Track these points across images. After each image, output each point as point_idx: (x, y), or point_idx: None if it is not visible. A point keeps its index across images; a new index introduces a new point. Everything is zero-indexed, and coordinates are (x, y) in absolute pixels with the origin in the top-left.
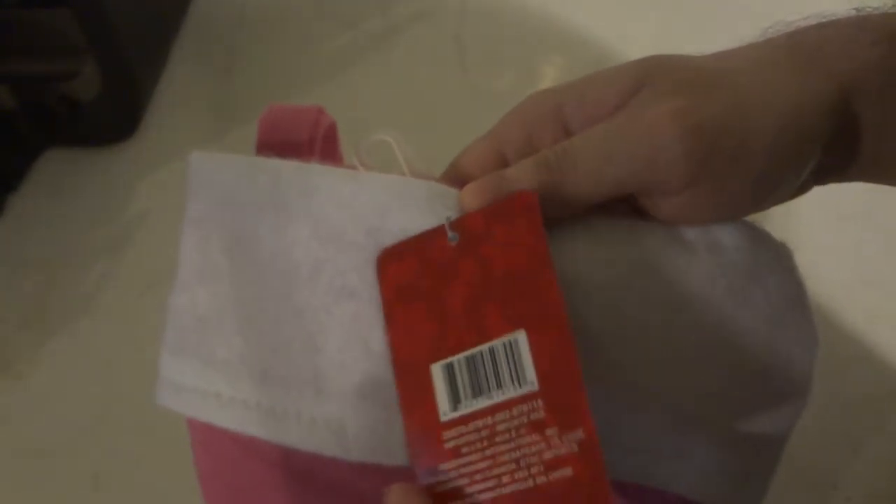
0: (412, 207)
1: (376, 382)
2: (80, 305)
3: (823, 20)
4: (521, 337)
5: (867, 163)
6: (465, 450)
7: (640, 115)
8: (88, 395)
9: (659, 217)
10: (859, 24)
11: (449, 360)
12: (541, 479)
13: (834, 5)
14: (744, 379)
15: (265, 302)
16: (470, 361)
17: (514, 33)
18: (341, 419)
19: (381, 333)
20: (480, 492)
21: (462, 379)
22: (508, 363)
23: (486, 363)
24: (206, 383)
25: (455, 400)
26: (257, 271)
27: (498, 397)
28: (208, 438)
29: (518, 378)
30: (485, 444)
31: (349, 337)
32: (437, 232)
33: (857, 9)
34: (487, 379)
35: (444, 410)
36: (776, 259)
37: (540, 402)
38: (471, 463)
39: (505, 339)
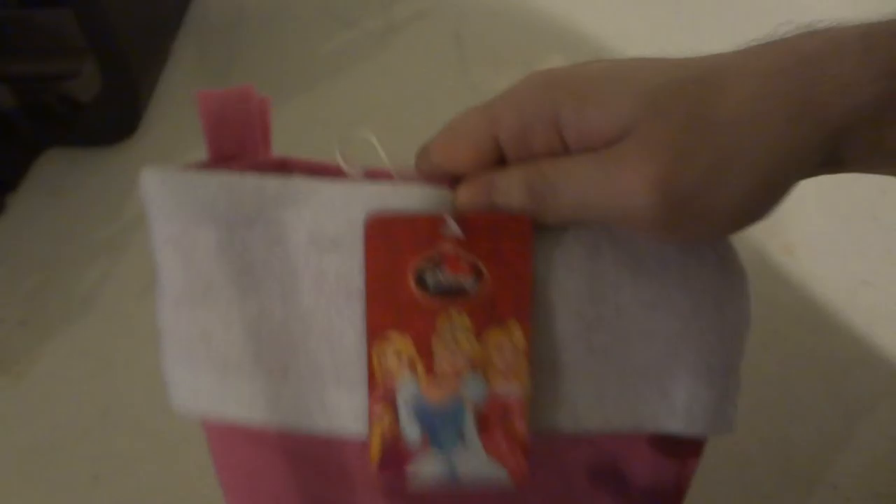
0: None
1: None
2: (80, 305)
3: (831, 34)
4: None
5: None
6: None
7: (623, 169)
8: (88, 395)
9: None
10: (864, 54)
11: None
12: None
13: (829, 6)
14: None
15: (270, 308)
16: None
17: (514, 32)
18: (362, 405)
19: None
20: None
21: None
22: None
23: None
24: (224, 386)
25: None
26: (255, 282)
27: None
28: (223, 436)
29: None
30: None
31: (362, 332)
32: (434, 220)
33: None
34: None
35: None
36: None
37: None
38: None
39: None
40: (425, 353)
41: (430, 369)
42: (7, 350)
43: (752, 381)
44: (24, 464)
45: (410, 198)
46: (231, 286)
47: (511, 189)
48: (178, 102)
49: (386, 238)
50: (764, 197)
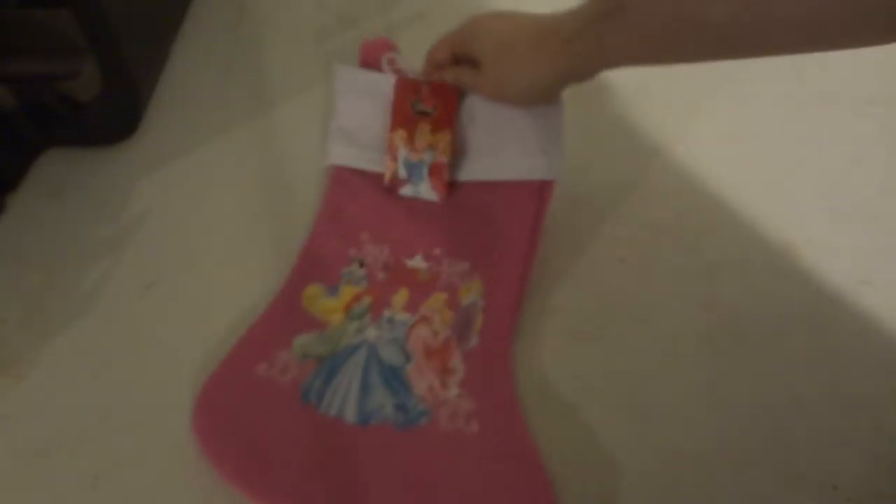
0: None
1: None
2: (80, 305)
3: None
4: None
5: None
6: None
7: (480, 78)
8: (88, 395)
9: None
10: (559, 29)
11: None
12: None
13: None
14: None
15: (374, 123)
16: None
17: None
18: (382, 160)
19: None
20: None
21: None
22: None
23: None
24: (354, 150)
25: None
26: (365, 111)
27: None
28: (340, 175)
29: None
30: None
31: (388, 126)
32: (420, 82)
33: None
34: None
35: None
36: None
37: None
38: None
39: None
40: (411, 139)
41: (412, 146)
42: (7, 350)
43: (753, 381)
44: (24, 464)
45: (413, 74)
46: (364, 111)
47: (448, 77)
48: (178, 102)
49: (403, 87)
50: (532, 91)
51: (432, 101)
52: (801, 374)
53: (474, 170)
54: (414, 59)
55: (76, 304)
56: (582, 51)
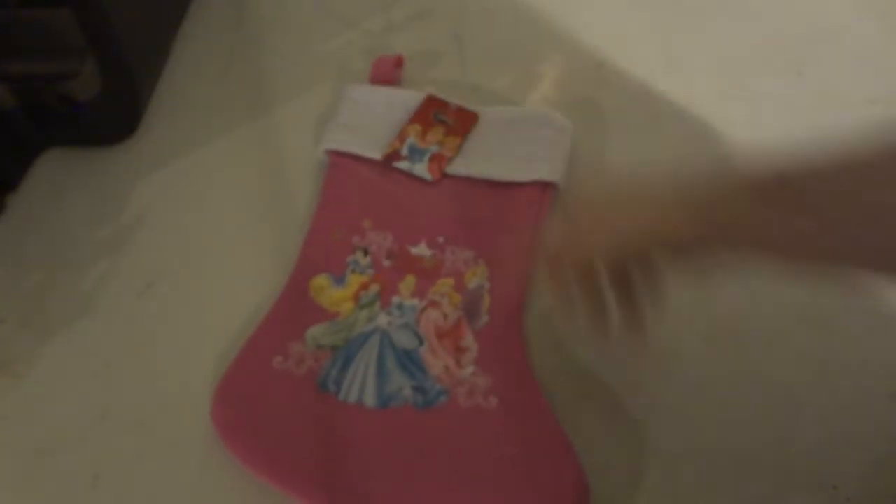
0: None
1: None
2: (80, 305)
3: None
4: None
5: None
6: None
7: None
8: (88, 395)
9: None
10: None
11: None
12: None
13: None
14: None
15: (377, 122)
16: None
17: (514, 33)
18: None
19: None
20: None
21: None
22: None
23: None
24: (353, 138)
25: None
26: (373, 114)
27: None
28: (339, 161)
29: None
30: None
31: (406, 122)
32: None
33: None
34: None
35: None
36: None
37: None
38: None
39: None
40: (424, 133)
41: (423, 138)
42: (7, 350)
43: (753, 381)
44: (24, 464)
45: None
46: (363, 110)
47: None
48: (179, 102)
49: (432, 100)
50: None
51: (454, 117)
52: (801, 374)
53: (477, 168)
54: (414, 60)
55: (76, 305)
56: (715, 219)
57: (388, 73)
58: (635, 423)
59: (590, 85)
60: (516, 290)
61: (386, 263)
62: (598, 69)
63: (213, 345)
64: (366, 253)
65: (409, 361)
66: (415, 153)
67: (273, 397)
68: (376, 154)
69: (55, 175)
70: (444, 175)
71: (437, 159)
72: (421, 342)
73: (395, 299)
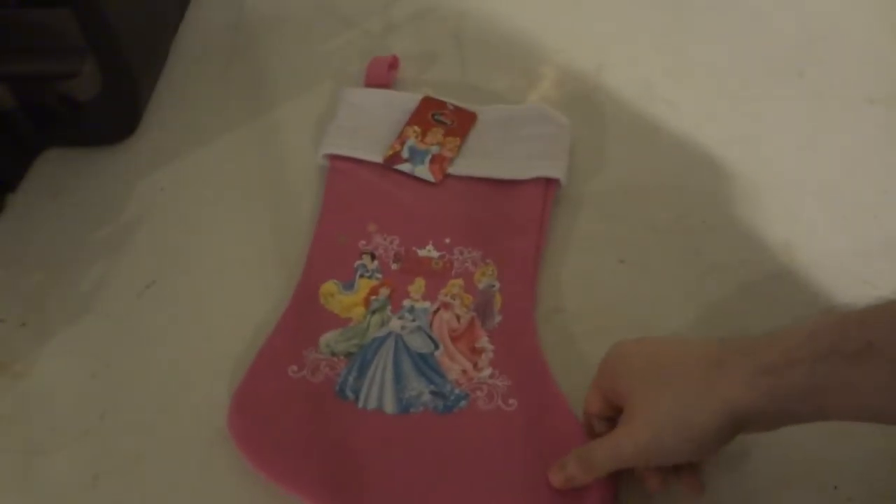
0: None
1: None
2: (80, 305)
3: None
4: None
5: None
6: None
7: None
8: (88, 395)
9: None
10: (753, 352)
11: None
12: None
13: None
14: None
15: (375, 125)
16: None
17: (514, 33)
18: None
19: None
20: None
21: None
22: None
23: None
24: (352, 142)
25: None
26: (371, 117)
27: None
28: (339, 165)
29: None
30: None
31: (405, 122)
32: (441, 102)
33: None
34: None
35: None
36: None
37: None
38: None
39: None
40: (423, 135)
41: (422, 140)
42: (7, 350)
43: None
44: (24, 464)
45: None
46: (363, 115)
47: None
48: (178, 102)
49: (429, 101)
50: (690, 447)
51: (452, 118)
52: None
53: (479, 167)
54: (414, 60)
55: (76, 304)
56: (796, 385)
57: (383, 73)
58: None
59: (589, 85)
60: (527, 288)
61: (394, 267)
62: (598, 70)
63: (213, 345)
64: (373, 257)
65: (426, 366)
66: (415, 155)
67: (291, 407)
68: (377, 157)
69: (55, 175)
70: (446, 175)
71: (438, 160)
72: (436, 346)
73: (406, 302)
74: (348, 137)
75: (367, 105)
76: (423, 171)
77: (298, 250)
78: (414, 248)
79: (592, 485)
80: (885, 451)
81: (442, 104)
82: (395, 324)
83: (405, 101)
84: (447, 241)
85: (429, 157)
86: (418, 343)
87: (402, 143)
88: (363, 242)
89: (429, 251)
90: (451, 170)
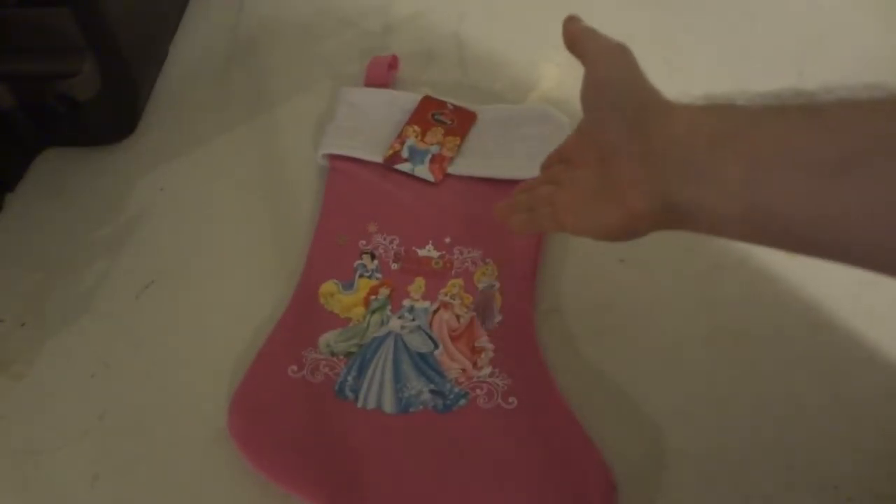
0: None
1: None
2: (79, 305)
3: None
4: None
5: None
6: None
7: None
8: (87, 395)
9: None
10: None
11: None
12: None
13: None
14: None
15: (375, 125)
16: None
17: (514, 32)
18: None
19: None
20: None
21: None
22: None
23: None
24: (352, 142)
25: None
26: (371, 117)
27: None
28: (339, 166)
29: None
30: None
31: (404, 123)
32: (442, 102)
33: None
34: None
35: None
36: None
37: None
38: None
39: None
40: (423, 134)
41: (422, 139)
42: (6, 350)
43: (753, 382)
44: (23, 464)
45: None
46: (362, 116)
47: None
48: (177, 102)
49: (429, 101)
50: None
51: (452, 117)
52: (800, 374)
53: (479, 167)
54: (414, 60)
55: (75, 304)
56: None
57: (383, 73)
58: (636, 423)
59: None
60: (527, 287)
61: (394, 266)
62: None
63: (213, 345)
64: (373, 257)
65: (426, 365)
66: (415, 155)
67: (291, 407)
68: (377, 157)
69: (54, 175)
70: (446, 175)
71: (437, 160)
72: (436, 345)
73: (406, 302)
74: (348, 137)
75: (367, 105)
76: (423, 170)
77: (298, 250)
78: (414, 248)
79: (593, 485)
80: (885, 452)
81: (442, 104)
82: (394, 323)
83: (405, 100)
84: (447, 240)
85: (429, 156)
86: (418, 342)
87: (402, 143)
88: (363, 242)
89: (429, 251)
90: (451, 169)
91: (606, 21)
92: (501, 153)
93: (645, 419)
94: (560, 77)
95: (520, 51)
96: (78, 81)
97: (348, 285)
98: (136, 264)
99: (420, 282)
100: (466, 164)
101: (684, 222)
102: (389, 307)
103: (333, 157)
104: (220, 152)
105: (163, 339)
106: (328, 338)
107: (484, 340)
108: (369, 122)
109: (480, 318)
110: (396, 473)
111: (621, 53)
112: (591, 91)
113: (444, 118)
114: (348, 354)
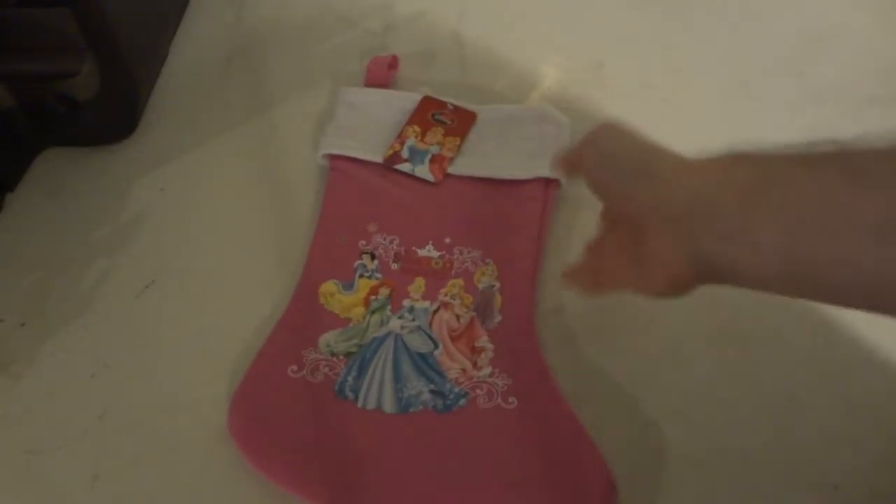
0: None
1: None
2: (79, 305)
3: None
4: None
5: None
6: None
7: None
8: (87, 395)
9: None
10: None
11: None
12: None
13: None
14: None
15: (375, 125)
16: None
17: (514, 33)
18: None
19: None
20: None
21: None
22: None
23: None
24: (352, 142)
25: None
26: (371, 117)
27: None
28: (338, 165)
29: None
30: None
31: (404, 123)
32: (442, 103)
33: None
34: None
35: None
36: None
37: None
38: None
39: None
40: (423, 134)
41: (422, 139)
42: (6, 350)
43: (753, 382)
44: (23, 464)
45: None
46: (360, 115)
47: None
48: (178, 102)
49: (429, 101)
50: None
51: (452, 117)
52: (801, 374)
53: (479, 167)
54: (414, 60)
55: (75, 304)
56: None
57: (383, 73)
58: (636, 424)
59: (590, 85)
60: (527, 288)
61: (394, 266)
62: (598, 70)
63: (212, 345)
64: (373, 257)
65: (426, 365)
66: (415, 155)
67: (291, 407)
68: (377, 157)
69: (54, 175)
70: (446, 175)
71: (437, 160)
72: (436, 345)
73: (406, 302)
74: (348, 137)
75: (367, 105)
76: (423, 170)
77: (298, 250)
78: (414, 248)
79: (593, 485)
80: (885, 453)
81: (442, 104)
82: (394, 323)
83: (405, 100)
84: (447, 240)
85: (429, 156)
86: (418, 343)
87: (402, 143)
88: (363, 242)
89: (429, 251)
90: (451, 169)
91: (606, 21)
92: (501, 153)
93: (645, 419)
94: (560, 77)
95: (520, 51)
96: (78, 81)
97: (348, 285)
98: (136, 264)
99: (420, 282)
100: (466, 164)
101: (727, 279)
102: (389, 307)
103: (333, 157)
104: (220, 152)
105: (162, 340)
106: (328, 338)
107: (484, 340)
108: (369, 122)
109: (480, 318)
110: (396, 473)
111: (612, 126)
112: (600, 172)
113: (444, 118)
114: (348, 354)
